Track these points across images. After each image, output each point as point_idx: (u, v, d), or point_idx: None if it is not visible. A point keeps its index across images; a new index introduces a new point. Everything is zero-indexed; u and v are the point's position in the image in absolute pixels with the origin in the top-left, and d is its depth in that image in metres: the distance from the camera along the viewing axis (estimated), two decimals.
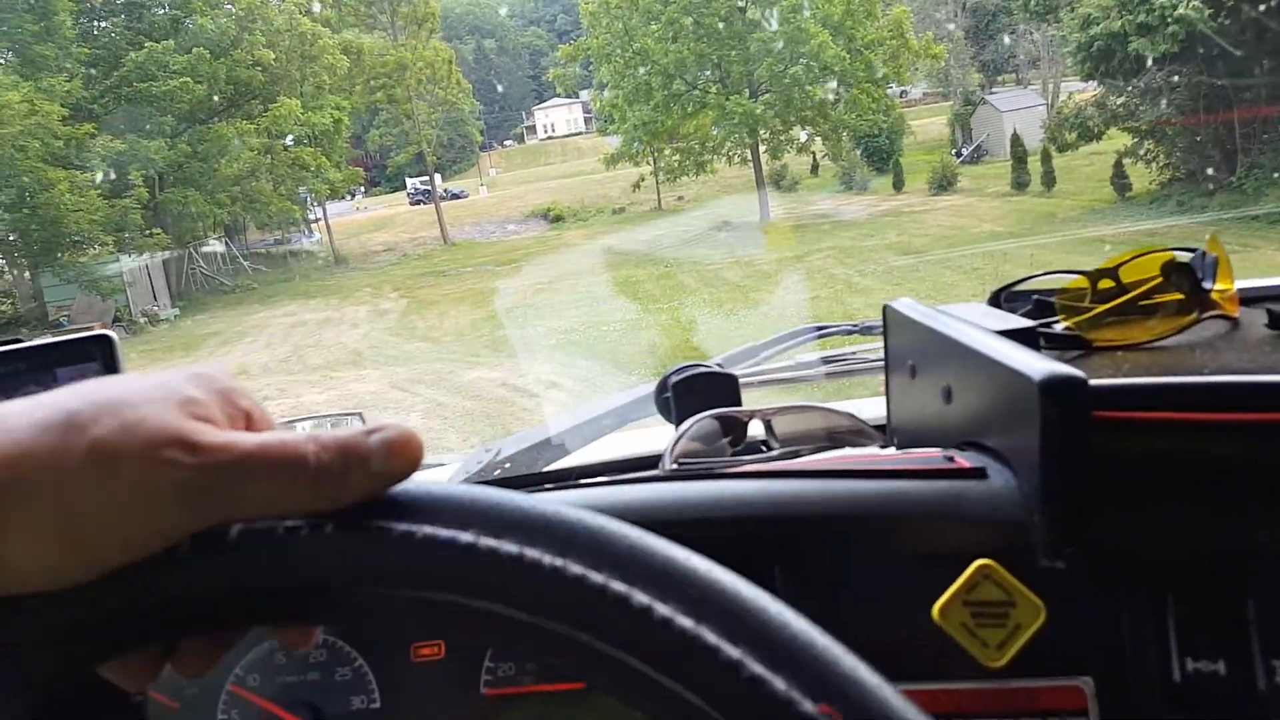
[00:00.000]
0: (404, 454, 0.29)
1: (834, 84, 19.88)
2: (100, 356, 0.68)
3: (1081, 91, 19.68)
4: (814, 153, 26.06)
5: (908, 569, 0.55)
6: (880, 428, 0.78)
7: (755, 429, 0.82)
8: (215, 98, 17.60)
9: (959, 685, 0.53)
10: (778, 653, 0.27)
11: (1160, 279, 0.69)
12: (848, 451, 0.76)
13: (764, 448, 0.82)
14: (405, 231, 27.28)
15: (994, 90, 30.64)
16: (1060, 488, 0.48)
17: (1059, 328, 0.71)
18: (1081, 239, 12.37)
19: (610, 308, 12.79)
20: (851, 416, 0.80)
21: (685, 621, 0.27)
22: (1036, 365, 0.49)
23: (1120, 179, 15.33)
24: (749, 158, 21.43)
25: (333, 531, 0.29)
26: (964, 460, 0.55)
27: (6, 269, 14.85)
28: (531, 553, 0.28)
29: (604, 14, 19.63)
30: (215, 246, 21.21)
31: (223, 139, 17.49)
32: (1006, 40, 31.37)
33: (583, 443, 1.00)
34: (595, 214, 26.49)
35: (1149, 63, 11.62)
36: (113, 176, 15.01)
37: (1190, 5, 10.44)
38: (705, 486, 0.57)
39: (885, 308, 0.73)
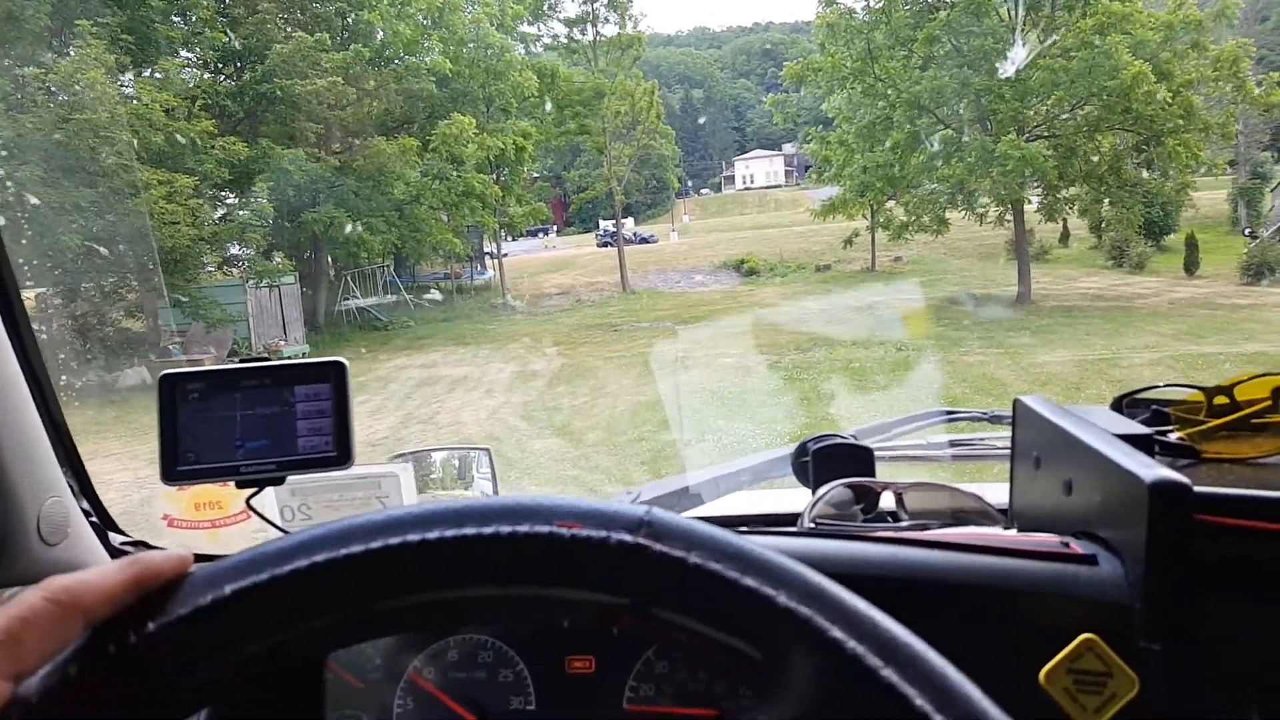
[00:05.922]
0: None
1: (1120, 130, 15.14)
2: (333, 378, 0.75)
3: None
4: (1064, 218, 21.35)
5: (1020, 638, 0.60)
6: (1003, 511, 0.82)
7: (886, 500, 0.89)
8: (375, 106, 15.30)
9: None
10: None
11: (1270, 401, 0.72)
12: (972, 529, 0.80)
13: (892, 519, 0.87)
14: (584, 275, 24.86)
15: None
16: (1162, 579, 0.55)
17: (1173, 437, 0.75)
18: None
19: (828, 410, 8.92)
20: (978, 498, 0.85)
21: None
22: (1149, 470, 0.56)
23: None
24: (1003, 216, 16.87)
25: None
26: (1078, 547, 0.63)
27: (138, 285, 13.06)
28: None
29: (842, 28, 15.78)
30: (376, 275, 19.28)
31: (382, 155, 15.20)
32: None
33: (718, 494, 1.07)
34: (795, 269, 22.86)
35: None
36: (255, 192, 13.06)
37: None
38: (842, 545, 0.64)
39: (1016, 401, 0.79)
